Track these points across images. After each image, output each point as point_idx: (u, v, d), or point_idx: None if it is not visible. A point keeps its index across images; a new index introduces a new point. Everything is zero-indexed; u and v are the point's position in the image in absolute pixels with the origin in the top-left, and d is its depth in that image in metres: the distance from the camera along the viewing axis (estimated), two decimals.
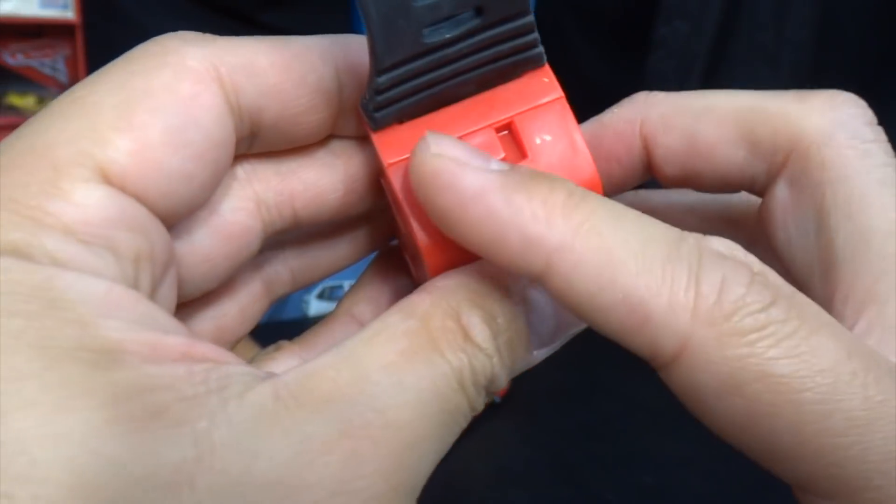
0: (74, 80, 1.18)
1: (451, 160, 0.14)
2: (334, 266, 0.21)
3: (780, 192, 0.17)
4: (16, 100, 1.22)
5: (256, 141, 0.16)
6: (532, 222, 0.13)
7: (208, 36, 0.15)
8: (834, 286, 0.15)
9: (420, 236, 0.15)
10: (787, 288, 0.13)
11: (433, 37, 0.14)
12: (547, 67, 0.16)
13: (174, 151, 0.14)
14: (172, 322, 0.14)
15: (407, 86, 0.15)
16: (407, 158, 0.15)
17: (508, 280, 0.15)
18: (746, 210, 0.19)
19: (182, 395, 0.12)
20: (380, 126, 0.15)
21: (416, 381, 0.14)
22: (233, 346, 0.19)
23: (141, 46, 0.14)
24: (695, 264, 0.13)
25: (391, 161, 0.15)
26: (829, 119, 0.16)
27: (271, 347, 0.20)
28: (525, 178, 0.14)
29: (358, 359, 0.14)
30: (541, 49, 0.15)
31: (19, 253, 0.12)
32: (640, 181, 0.19)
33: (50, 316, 0.11)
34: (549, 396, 0.67)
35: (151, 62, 0.14)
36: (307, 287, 0.20)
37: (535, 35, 0.15)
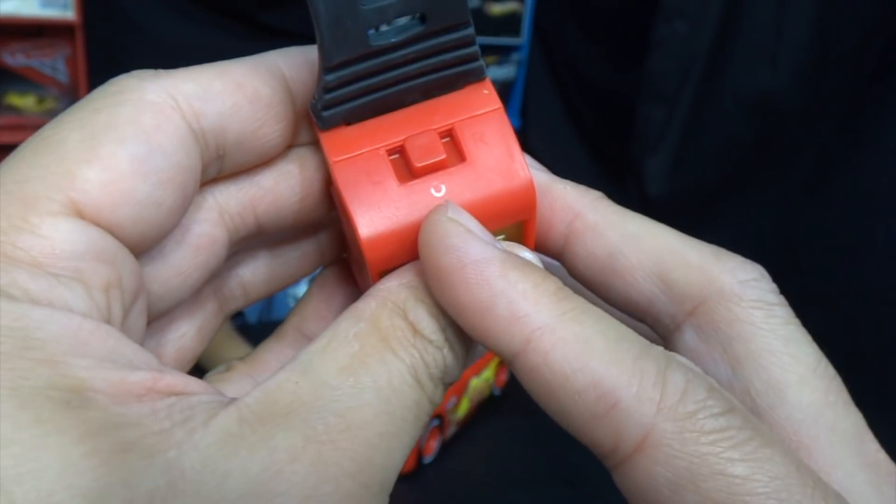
0: (74, 80, 1.18)
1: (463, 227, 0.15)
2: (285, 280, 0.21)
3: (689, 339, 0.17)
4: (16, 100, 1.22)
5: (225, 162, 0.17)
6: (521, 298, 0.14)
7: (162, 71, 0.15)
8: None
9: (361, 226, 0.15)
10: (740, 405, 0.14)
11: (379, 40, 0.15)
12: (488, 81, 0.17)
13: (142, 179, 0.14)
14: (140, 354, 0.14)
15: (354, 87, 0.15)
16: (352, 157, 0.16)
17: None
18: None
19: (149, 430, 0.12)
20: (328, 126, 0.16)
21: (372, 381, 0.14)
22: (192, 362, 0.20)
23: (100, 88, 0.15)
24: (663, 365, 0.14)
25: (337, 159, 0.16)
26: (740, 281, 0.17)
27: (222, 367, 0.20)
28: (523, 262, 0.15)
29: (314, 368, 0.14)
30: (482, 62, 0.17)
31: None
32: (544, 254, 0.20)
33: (22, 356, 0.12)
34: None
35: (111, 100, 0.14)
36: (258, 301, 0.21)
37: (476, 48, 0.16)
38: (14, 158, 0.14)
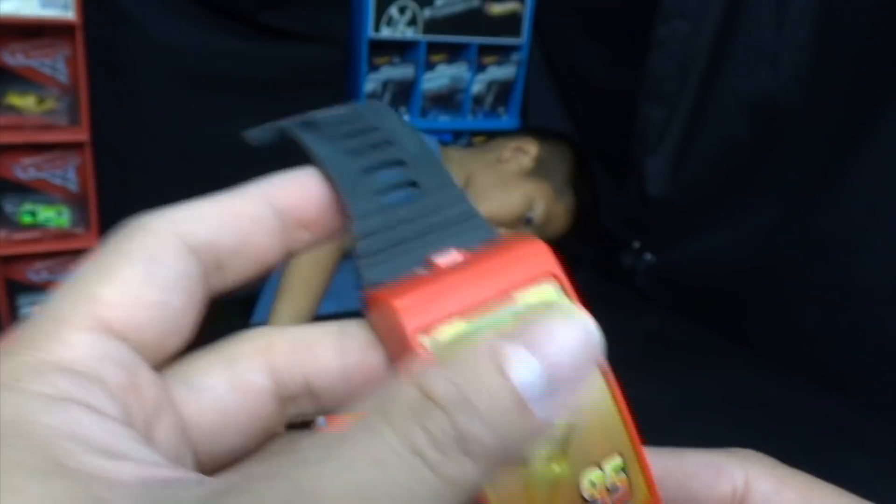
0: (74, 80, 1.18)
1: None
2: None
3: None
4: (16, 100, 1.22)
5: (227, 270, 0.19)
6: None
7: (168, 209, 0.18)
8: None
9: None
10: None
11: (389, 200, 0.18)
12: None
13: (150, 287, 0.17)
14: (141, 451, 0.14)
15: (384, 236, 0.18)
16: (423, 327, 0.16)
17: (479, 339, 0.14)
18: None
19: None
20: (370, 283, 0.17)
21: (349, 454, 0.12)
22: None
23: (116, 231, 0.18)
24: None
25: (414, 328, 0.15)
26: None
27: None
28: None
29: (300, 448, 0.13)
30: (481, 218, 0.18)
31: (8, 387, 0.14)
32: None
33: (11, 440, 0.13)
34: None
35: (121, 236, 0.18)
36: None
37: (469, 207, 0.18)
38: (57, 290, 0.17)
